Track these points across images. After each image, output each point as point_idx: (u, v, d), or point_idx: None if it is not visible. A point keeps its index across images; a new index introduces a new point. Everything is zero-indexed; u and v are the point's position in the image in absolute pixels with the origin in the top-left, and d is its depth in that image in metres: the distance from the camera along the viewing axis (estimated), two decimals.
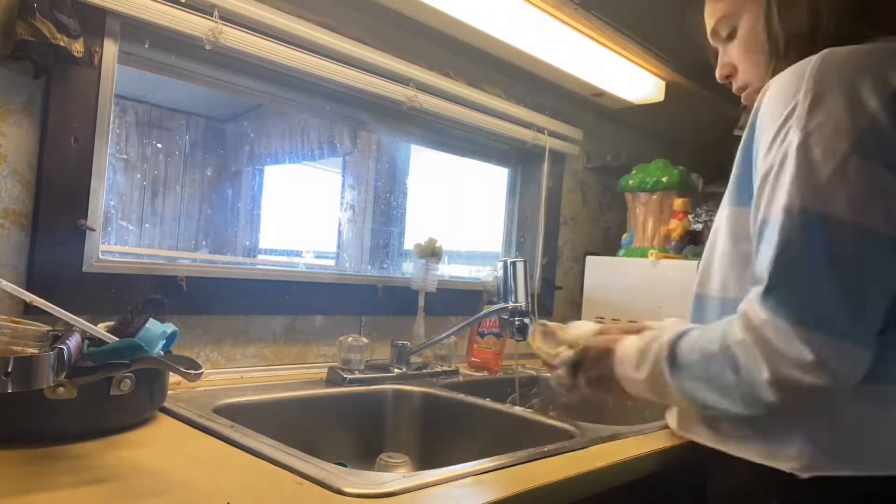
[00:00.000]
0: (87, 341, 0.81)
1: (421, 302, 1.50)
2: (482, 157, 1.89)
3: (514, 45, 1.47)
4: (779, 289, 0.66)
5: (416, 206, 2.01)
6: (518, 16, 1.38)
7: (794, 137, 0.68)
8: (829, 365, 0.63)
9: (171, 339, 0.92)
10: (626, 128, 2.21)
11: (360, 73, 1.36)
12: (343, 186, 2.27)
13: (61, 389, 0.72)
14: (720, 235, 0.83)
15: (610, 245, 2.16)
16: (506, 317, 1.35)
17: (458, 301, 1.64)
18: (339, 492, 0.66)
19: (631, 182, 1.93)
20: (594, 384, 0.89)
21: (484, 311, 1.42)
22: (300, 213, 2.53)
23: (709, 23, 0.93)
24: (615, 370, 0.85)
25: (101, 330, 0.83)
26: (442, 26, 1.40)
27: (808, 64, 0.71)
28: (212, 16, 1.12)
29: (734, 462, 0.76)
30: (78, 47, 0.97)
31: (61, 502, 0.59)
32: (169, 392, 0.93)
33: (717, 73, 0.94)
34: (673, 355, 0.76)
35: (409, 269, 1.70)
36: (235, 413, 0.98)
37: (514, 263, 1.37)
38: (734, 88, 0.93)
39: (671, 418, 0.93)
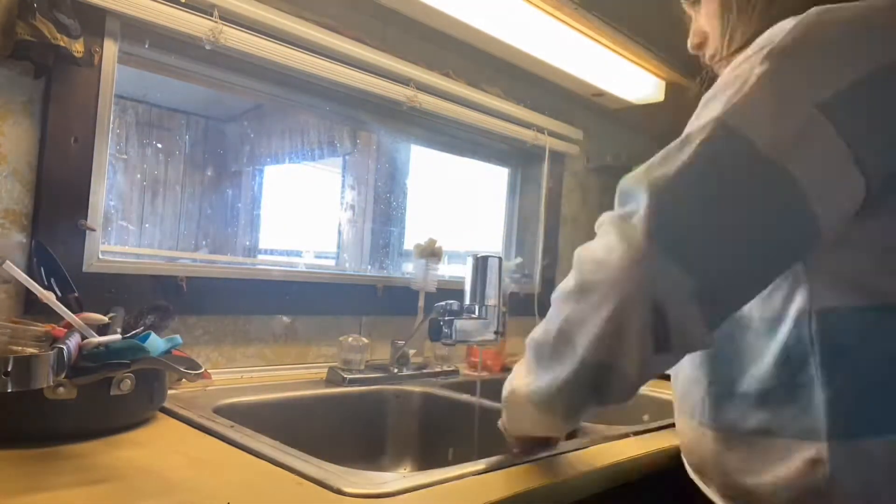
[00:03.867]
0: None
1: (421, 302, 1.50)
2: (482, 157, 1.89)
3: (514, 45, 1.47)
4: (662, 212, 0.60)
5: (416, 206, 2.01)
6: (518, 16, 1.38)
7: (761, 65, 0.60)
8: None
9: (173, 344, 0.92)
10: (626, 128, 2.20)
11: (360, 73, 1.36)
12: (343, 186, 2.27)
13: (61, 389, 0.72)
14: None
15: None
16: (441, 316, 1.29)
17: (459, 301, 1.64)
18: (339, 492, 0.66)
19: None
20: None
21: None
22: (300, 213, 2.53)
23: None
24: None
25: (94, 333, 0.84)
26: (442, 26, 1.40)
27: (794, 19, 0.63)
28: (212, 16, 1.12)
29: None
30: (78, 47, 0.97)
31: (61, 502, 0.59)
32: (169, 392, 0.93)
33: (689, 43, 0.87)
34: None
35: (409, 269, 1.70)
36: (235, 413, 0.97)
37: (485, 259, 1.30)
38: (706, 58, 0.86)
39: None
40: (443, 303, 1.29)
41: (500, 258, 1.31)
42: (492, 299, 1.28)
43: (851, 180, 0.59)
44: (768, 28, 0.65)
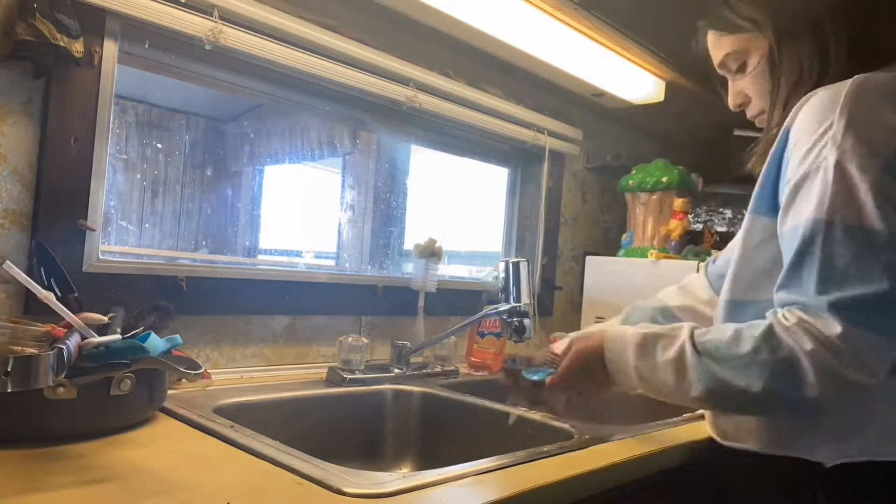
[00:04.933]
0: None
1: (421, 302, 1.50)
2: (482, 157, 1.89)
3: (514, 45, 1.47)
4: (829, 292, 0.71)
5: (416, 206, 2.02)
6: (518, 16, 1.38)
7: (829, 154, 0.74)
8: (865, 359, 0.70)
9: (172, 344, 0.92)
10: (626, 128, 2.20)
11: (360, 73, 1.36)
12: (343, 186, 2.27)
13: (61, 389, 0.72)
14: (738, 243, 0.89)
15: (610, 245, 2.16)
16: (505, 317, 1.35)
17: (458, 301, 1.64)
18: (339, 492, 0.66)
19: (631, 182, 1.93)
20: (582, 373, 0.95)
21: (483, 311, 1.42)
22: (300, 213, 2.53)
23: (715, 54, 0.97)
24: (605, 354, 0.91)
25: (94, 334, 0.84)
26: (442, 26, 1.40)
27: (844, 87, 0.76)
28: (212, 16, 1.12)
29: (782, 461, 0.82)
30: (78, 47, 0.97)
31: (61, 502, 0.59)
32: (169, 392, 0.93)
33: (731, 103, 0.99)
34: (695, 342, 0.81)
35: (409, 269, 1.70)
36: (235, 413, 0.97)
37: (516, 264, 1.36)
38: (748, 116, 0.98)
39: (714, 429, 0.95)
40: (493, 306, 1.39)
41: (527, 261, 1.40)
42: (525, 299, 1.35)
43: None
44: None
